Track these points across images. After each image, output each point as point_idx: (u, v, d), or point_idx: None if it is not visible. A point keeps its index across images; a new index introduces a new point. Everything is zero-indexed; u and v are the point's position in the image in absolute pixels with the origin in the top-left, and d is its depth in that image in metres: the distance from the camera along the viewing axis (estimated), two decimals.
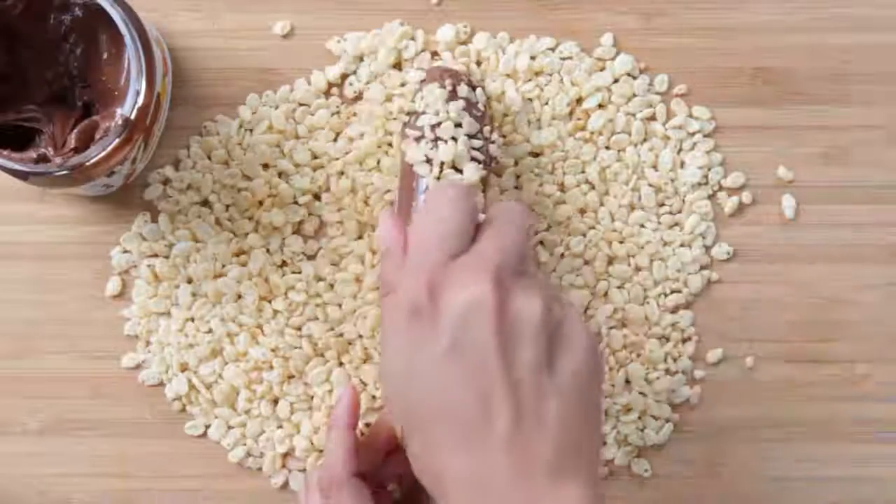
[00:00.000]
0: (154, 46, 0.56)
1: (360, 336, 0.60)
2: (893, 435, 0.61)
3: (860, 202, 0.61)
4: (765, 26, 0.62)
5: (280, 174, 0.61)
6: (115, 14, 0.54)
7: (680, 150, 0.61)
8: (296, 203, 0.61)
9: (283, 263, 0.61)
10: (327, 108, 0.62)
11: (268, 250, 0.61)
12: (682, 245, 0.61)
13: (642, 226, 0.61)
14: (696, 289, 0.61)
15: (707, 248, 0.61)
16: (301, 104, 0.62)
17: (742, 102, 0.62)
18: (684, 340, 0.61)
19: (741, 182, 0.61)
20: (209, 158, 0.61)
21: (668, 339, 0.61)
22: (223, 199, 0.61)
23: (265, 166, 0.61)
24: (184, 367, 0.61)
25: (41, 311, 0.62)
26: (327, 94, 0.62)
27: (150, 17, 0.60)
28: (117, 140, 0.54)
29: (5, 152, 0.54)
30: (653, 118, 0.61)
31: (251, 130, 0.62)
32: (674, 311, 0.61)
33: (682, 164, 0.61)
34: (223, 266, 0.61)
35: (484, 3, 0.62)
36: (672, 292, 0.61)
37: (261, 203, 0.61)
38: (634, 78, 0.61)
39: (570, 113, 0.61)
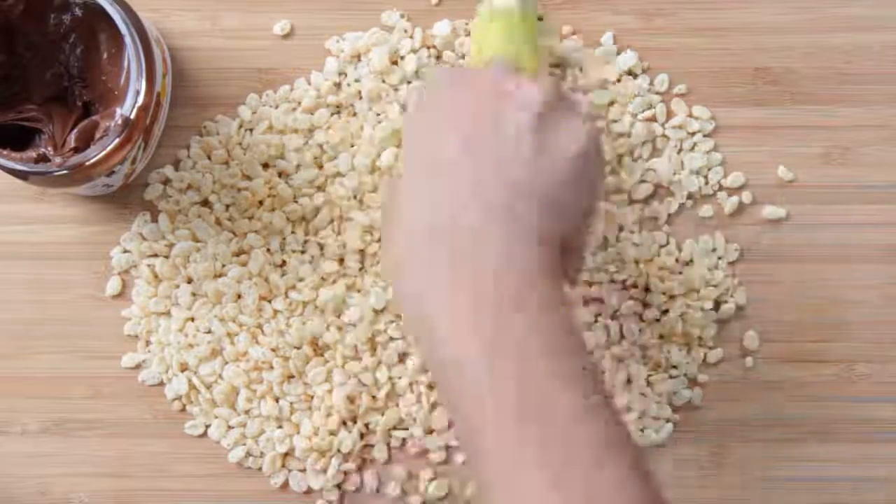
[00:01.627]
0: (154, 46, 0.56)
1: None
2: (893, 435, 0.61)
3: (860, 202, 0.61)
4: (765, 26, 0.62)
5: (280, 174, 0.61)
6: (115, 14, 0.54)
7: (680, 150, 0.61)
8: (296, 202, 0.61)
9: (283, 263, 0.61)
10: (327, 107, 0.62)
11: (268, 250, 0.61)
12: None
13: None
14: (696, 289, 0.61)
15: (707, 249, 0.61)
16: (301, 103, 0.62)
17: (742, 102, 0.62)
18: (686, 343, 0.61)
19: (741, 182, 0.61)
20: (209, 158, 0.61)
21: (670, 342, 0.61)
22: (223, 198, 0.61)
23: (265, 166, 0.61)
24: (184, 367, 0.61)
25: (41, 311, 0.62)
26: (326, 93, 0.62)
27: (150, 17, 0.60)
28: (117, 140, 0.54)
29: (5, 152, 0.54)
30: (653, 118, 0.61)
31: (251, 130, 0.62)
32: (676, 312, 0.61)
33: (682, 164, 0.61)
34: (223, 266, 0.61)
35: None
36: (673, 294, 0.61)
37: (261, 203, 0.61)
38: (635, 77, 0.61)
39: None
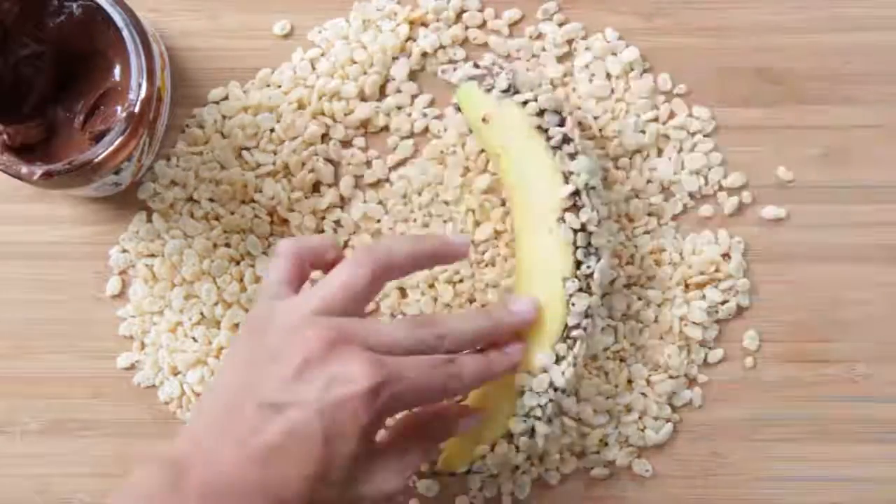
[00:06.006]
0: (152, 42, 0.56)
1: None
2: (893, 435, 0.61)
3: (860, 202, 0.61)
4: (765, 26, 0.62)
5: (255, 167, 0.61)
6: (113, 11, 0.54)
7: (680, 150, 0.61)
8: (259, 201, 0.60)
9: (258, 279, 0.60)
10: (307, 88, 0.61)
11: (264, 253, 0.60)
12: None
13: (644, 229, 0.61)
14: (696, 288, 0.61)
15: (707, 249, 0.61)
16: (278, 86, 0.61)
17: (742, 102, 0.62)
18: (686, 343, 0.61)
19: (741, 182, 0.61)
20: (195, 154, 0.61)
21: (671, 342, 0.61)
22: (203, 193, 0.60)
23: (239, 154, 0.61)
24: (175, 371, 0.61)
25: (41, 311, 0.61)
26: (304, 74, 0.61)
27: (150, 17, 0.60)
28: (123, 135, 0.54)
29: (8, 157, 0.54)
30: (653, 118, 0.61)
31: (225, 118, 0.61)
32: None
33: (683, 164, 0.61)
34: (211, 262, 0.60)
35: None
36: (674, 296, 0.61)
37: (242, 201, 0.60)
38: (637, 75, 0.61)
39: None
